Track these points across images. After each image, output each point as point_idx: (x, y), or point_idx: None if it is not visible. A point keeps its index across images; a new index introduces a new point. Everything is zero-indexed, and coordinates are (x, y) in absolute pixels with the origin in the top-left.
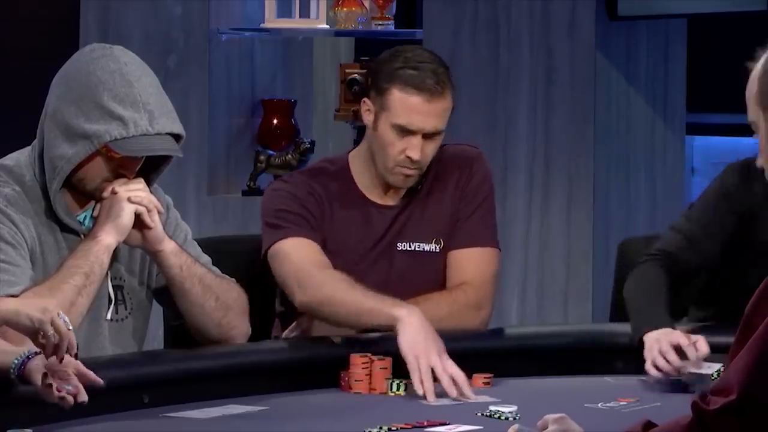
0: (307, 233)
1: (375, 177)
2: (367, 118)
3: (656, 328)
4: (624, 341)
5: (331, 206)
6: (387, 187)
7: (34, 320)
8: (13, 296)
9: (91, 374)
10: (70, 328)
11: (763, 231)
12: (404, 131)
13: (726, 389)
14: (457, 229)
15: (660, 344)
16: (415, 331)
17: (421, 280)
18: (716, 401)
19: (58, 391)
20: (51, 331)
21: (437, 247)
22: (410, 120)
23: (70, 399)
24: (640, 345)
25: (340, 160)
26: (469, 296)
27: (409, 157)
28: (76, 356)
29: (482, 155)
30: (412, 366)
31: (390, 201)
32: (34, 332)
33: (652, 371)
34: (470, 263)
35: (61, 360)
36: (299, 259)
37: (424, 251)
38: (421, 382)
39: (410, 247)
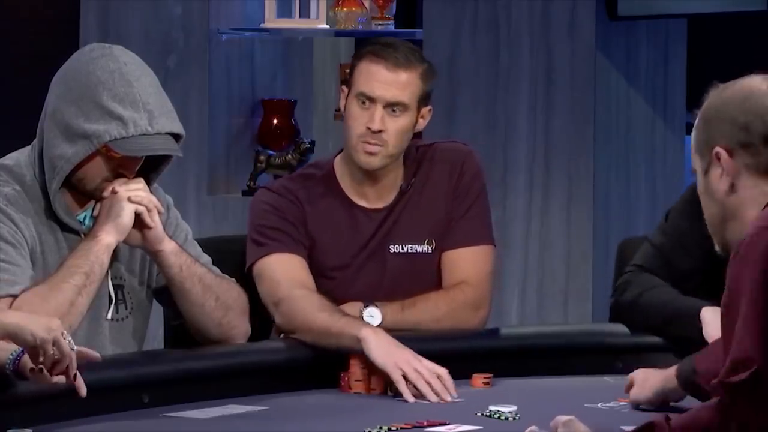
0: (289, 248)
1: (356, 178)
2: (342, 104)
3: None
4: (624, 341)
5: (316, 212)
6: (370, 189)
7: (37, 338)
8: (13, 296)
9: (87, 350)
10: (74, 348)
11: None
12: (365, 100)
13: (744, 362)
14: (451, 229)
15: None
16: (383, 343)
17: (415, 281)
18: (740, 376)
19: (50, 372)
20: (51, 350)
21: (429, 248)
22: (371, 87)
23: (62, 378)
24: (695, 325)
25: (327, 164)
26: (467, 295)
27: (369, 128)
28: (74, 377)
29: (472, 152)
30: (396, 375)
31: (377, 204)
32: (35, 349)
33: None
34: (466, 263)
35: (55, 374)
36: (277, 280)
37: (416, 252)
38: (419, 388)
39: (402, 249)
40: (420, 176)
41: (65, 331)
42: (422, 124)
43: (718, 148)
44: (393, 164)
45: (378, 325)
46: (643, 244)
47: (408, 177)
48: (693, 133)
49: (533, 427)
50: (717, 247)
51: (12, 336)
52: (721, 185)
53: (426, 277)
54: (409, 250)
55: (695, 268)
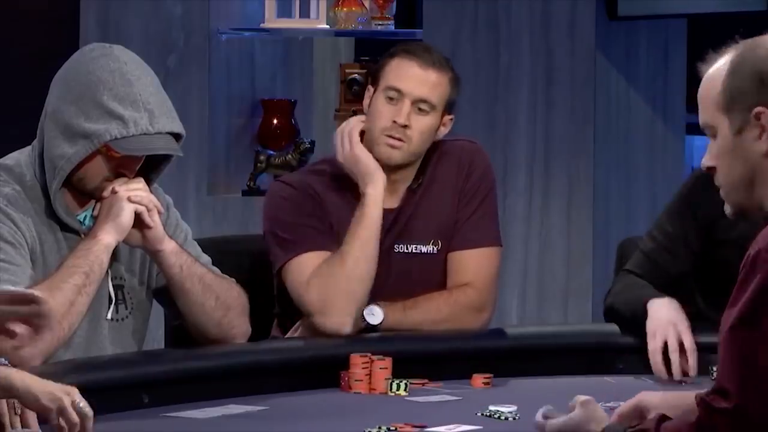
0: (318, 245)
1: None
2: (366, 102)
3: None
4: (624, 341)
5: (330, 209)
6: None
7: (40, 405)
8: None
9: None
10: (88, 413)
11: (726, 231)
12: (395, 93)
13: (725, 393)
14: (458, 231)
15: (664, 332)
16: None
17: (419, 281)
18: (723, 404)
19: None
20: (55, 420)
21: (435, 248)
22: (401, 81)
23: None
24: (642, 319)
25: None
26: (471, 298)
27: (395, 122)
28: None
29: (480, 150)
30: None
31: (388, 204)
32: (39, 413)
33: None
34: (472, 265)
35: None
36: (307, 281)
37: (421, 253)
38: None
39: (407, 249)
40: (428, 175)
41: (77, 399)
42: (443, 131)
43: (761, 108)
44: (409, 166)
45: (379, 324)
46: (635, 251)
47: (417, 176)
48: (716, 90)
49: (544, 407)
50: (728, 210)
51: (17, 397)
52: (759, 146)
53: (430, 277)
54: (414, 250)
55: (684, 271)
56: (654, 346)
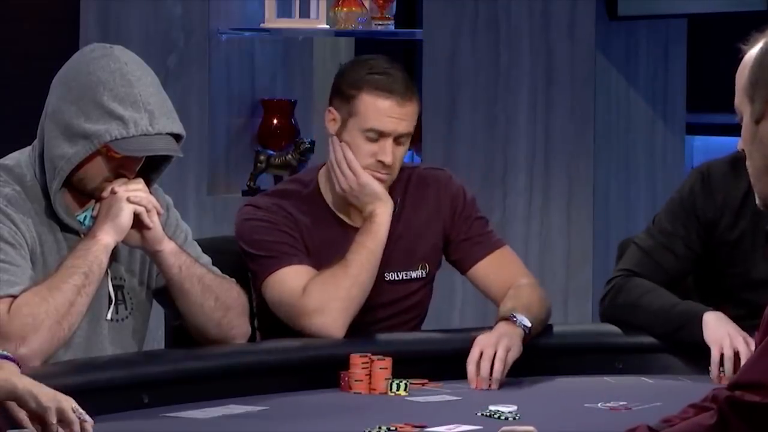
0: (302, 258)
1: (343, 196)
2: (332, 127)
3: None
4: (624, 341)
5: (308, 230)
6: (357, 207)
7: (40, 405)
8: (13, 296)
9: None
10: (86, 419)
11: (727, 232)
12: (376, 135)
13: (759, 386)
14: (475, 243)
15: (733, 342)
16: None
17: (411, 306)
18: (749, 395)
19: None
20: (54, 420)
21: (423, 272)
22: (383, 123)
23: None
24: (692, 329)
25: (311, 181)
26: (541, 290)
27: (380, 161)
28: None
29: (452, 175)
30: None
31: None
32: (37, 416)
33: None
34: (510, 263)
35: None
36: (297, 288)
37: (412, 278)
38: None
39: (398, 276)
40: (409, 198)
41: (76, 406)
42: None
43: None
44: None
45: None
46: (629, 248)
47: (395, 195)
48: (745, 75)
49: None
50: (757, 200)
51: (18, 398)
52: None
53: (421, 300)
54: (405, 277)
55: (682, 269)
56: (727, 354)
